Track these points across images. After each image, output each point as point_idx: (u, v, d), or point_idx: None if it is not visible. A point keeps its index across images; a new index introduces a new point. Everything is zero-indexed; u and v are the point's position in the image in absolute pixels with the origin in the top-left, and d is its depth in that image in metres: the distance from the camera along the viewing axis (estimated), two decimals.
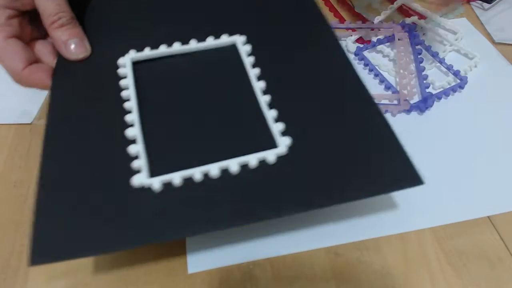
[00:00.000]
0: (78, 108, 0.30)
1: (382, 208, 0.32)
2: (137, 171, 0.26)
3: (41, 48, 0.33)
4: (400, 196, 0.33)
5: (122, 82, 0.31)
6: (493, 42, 0.46)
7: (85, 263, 0.29)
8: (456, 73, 0.41)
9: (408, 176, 0.26)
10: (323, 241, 0.30)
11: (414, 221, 0.31)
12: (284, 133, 0.28)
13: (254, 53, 0.33)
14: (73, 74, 0.32)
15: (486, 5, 0.51)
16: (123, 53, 0.32)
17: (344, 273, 0.29)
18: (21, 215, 0.32)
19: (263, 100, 0.30)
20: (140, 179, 0.26)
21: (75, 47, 0.32)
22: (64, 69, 0.32)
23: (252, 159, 0.26)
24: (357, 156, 0.27)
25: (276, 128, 0.28)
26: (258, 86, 0.31)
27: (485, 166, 0.35)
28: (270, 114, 0.29)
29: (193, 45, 0.33)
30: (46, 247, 0.23)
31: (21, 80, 0.32)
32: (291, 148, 0.27)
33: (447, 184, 0.33)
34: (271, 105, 0.30)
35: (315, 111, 0.30)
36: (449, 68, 0.42)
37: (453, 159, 0.35)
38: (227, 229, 0.25)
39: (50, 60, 0.33)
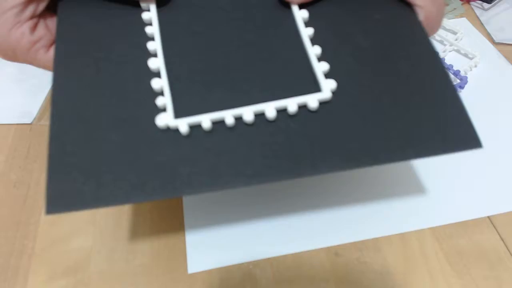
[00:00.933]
0: (91, 36, 0.26)
1: (382, 208, 0.32)
2: (161, 110, 0.23)
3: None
4: (400, 196, 0.33)
5: (143, 4, 0.27)
6: (493, 42, 0.46)
7: (85, 263, 0.29)
8: (456, 73, 0.41)
9: (467, 138, 0.23)
10: (323, 241, 0.30)
11: (414, 221, 0.31)
12: (328, 75, 0.25)
13: None
14: (83, 3, 0.27)
15: (486, 5, 0.51)
16: None
17: (344, 273, 0.29)
18: (21, 215, 0.32)
19: (305, 33, 0.26)
20: (165, 120, 0.23)
21: None
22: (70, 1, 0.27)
23: (292, 104, 0.23)
24: (411, 110, 0.24)
25: (320, 68, 0.25)
26: (300, 15, 0.27)
27: (485, 166, 0.35)
28: (313, 51, 0.25)
29: None
30: (61, 194, 0.21)
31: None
32: (336, 94, 0.24)
33: (447, 184, 0.33)
34: (314, 41, 0.26)
35: (366, 53, 0.26)
36: (449, 68, 0.42)
37: (453, 159, 0.35)
38: (258, 185, 0.22)
39: None
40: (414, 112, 0.24)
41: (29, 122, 0.39)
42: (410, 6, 0.27)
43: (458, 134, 0.23)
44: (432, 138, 0.23)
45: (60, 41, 0.25)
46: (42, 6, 0.26)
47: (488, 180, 0.34)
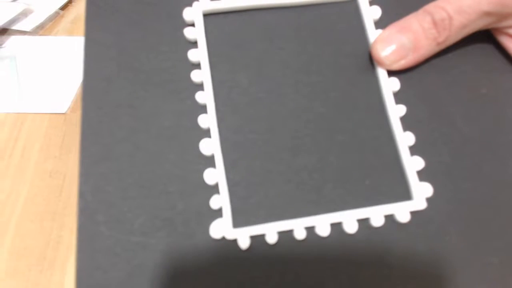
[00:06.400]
0: (123, 97, 0.21)
1: None
2: (215, 212, 0.19)
3: None
4: None
5: (191, 55, 0.21)
6: None
7: None
8: None
9: None
10: None
11: None
12: (422, 175, 0.20)
13: (384, 20, 0.22)
14: (114, 41, 0.22)
15: None
16: (189, 1, 0.22)
17: None
18: (57, 205, 0.31)
19: (396, 113, 0.21)
20: (222, 231, 0.19)
21: None
22: (97, 35, 0.22)
23: (376, 217, 0.19)
24: None
25: (413, 166, 0.20)
26: (389, 87, 0.21)
27: None
28: (405, 140, 0.20)
29: None
30: None
31: None
32: (430, 200, 0.20)
33: None
34: (405, 124, 0.21)
35: (466, 142, 0.21)
36: None
37: None
38: None
39: None
40: None
41: (63, 112, 0.38)
42: None
43: None
44: None
45: (86, 98, 0.21)
46: None
47: None
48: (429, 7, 0.21)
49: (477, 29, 0.21)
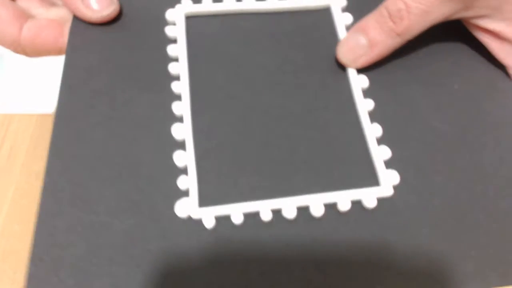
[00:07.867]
0: (102, 85, 0.22)
1: None
2: (183, 193, 0.19)
3: (25, 1, 0.24)
4: None
5: (170, 50, 0.22)
6: None
7: None
8: None
9: None
10: None
11: None
12: (389, 164, 0.20)
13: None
14: (97, 35, 0.23)
15: None
16: (172, 3, 0.23)
17: None
18: None
19: (364, 107, 0.21)
20: (187, 209, 0.19)
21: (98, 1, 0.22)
22: (82, 29, 0.23)
23: (343, 202, 0.19)
24: (497, 229, 0.19)
25: (379, 154, 0.20)
26: (358, 83, 0.22)
27: None
28: (372, 131, 0.21)
29: (273, 1, 0.24)
30: None
31: (24, 49, 0.23)
32: (398, 189, 0.20)
33: None
34: (373, 117, 0.21)
35: (438, 135, 0.21)
36: None
37: None
38: None
39: (42, 13, 0.24)
40: (500, 230, 0.19)
41: (50, 112, 0.38)
42: (502, 69, 0.23)
43: None
44: None
45: (64, 86, 0.22)
46: None
47: None
48: (387, 1, 0.21)
49: (443, 17, 0.20)
